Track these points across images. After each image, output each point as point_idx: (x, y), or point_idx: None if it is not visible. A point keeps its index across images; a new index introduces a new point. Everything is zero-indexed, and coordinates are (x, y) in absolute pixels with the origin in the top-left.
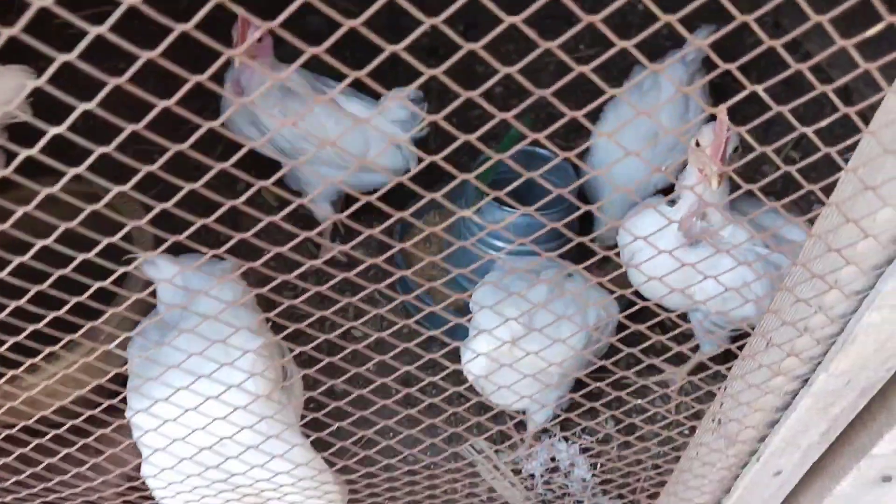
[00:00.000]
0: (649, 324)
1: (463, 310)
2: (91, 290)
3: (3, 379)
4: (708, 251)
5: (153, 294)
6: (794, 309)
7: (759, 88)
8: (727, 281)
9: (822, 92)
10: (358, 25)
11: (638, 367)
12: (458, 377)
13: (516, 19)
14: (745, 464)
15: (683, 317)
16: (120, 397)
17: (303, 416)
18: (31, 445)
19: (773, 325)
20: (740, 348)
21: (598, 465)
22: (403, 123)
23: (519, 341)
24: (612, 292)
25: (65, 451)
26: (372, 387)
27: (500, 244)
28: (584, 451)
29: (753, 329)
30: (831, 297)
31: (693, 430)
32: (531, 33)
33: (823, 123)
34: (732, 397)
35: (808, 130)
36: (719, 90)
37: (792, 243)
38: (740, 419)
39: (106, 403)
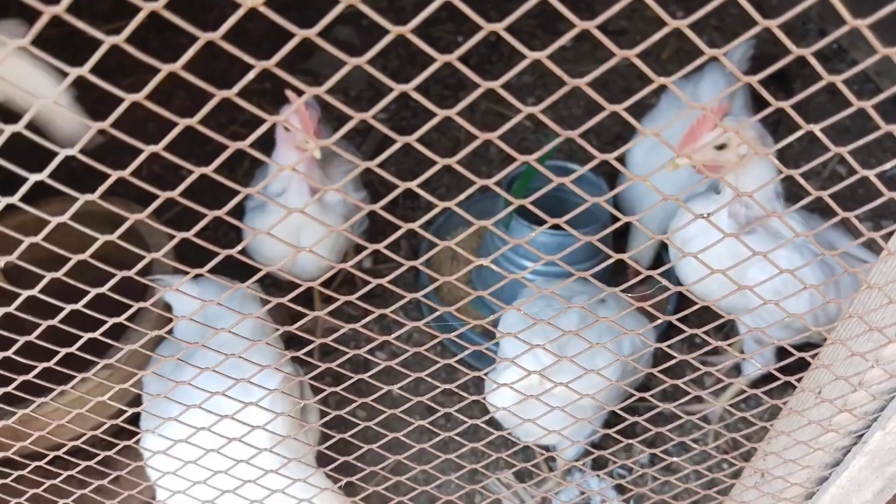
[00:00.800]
0: (691, 356)
1: (492, 334)
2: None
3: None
4: (762, 241)
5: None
6: (849, 363)
7: (840, 80)
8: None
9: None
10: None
11: (678, 403)
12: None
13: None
14: None
15: (724, 337)
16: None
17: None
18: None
19: (825, 378)
20: (782, 371)
21: (632, 503)
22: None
23: (547, 372)
24: (650, 318)
25: (79, 490)
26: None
27: (530, 265)
28: (617, 487)
29: (801, 349)
30: (890, 351)
31: (735, 461)
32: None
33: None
34: (777, 454)
35: None
36: (763, 105)
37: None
38: (785, 476)
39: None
